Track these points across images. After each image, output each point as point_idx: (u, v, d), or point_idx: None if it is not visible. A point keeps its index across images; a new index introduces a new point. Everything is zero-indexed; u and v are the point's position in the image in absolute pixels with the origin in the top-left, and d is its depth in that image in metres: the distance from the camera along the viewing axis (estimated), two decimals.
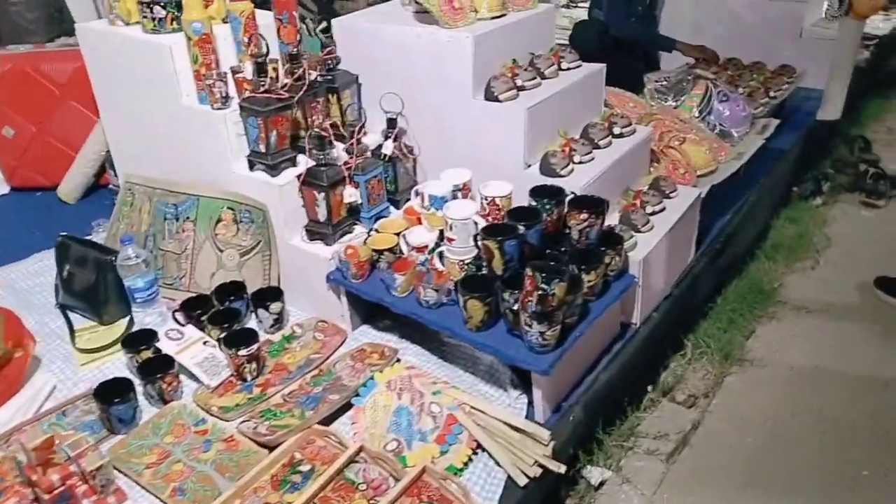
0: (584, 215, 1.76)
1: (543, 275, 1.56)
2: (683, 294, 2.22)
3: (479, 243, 1.72)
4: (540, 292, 1.56)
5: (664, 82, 2.79)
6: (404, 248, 1.96)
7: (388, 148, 2.14)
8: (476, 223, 1.81)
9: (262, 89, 1.96)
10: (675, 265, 2.19)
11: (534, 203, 1.82)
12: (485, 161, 2.08)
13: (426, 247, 1.93)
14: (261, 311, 2.06)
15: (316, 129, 1.97)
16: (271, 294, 2.08)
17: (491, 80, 2.01)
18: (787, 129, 3.23)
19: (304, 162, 2.03)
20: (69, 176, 2.97)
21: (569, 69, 2.21)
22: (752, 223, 2.67)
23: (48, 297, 2.30)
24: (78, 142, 2.94)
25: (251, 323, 2.11)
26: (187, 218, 2.19)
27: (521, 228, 1.71)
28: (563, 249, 1.82)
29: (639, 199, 2.11)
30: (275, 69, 2.10)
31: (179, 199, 2.20)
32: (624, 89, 2.76)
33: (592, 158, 2.08)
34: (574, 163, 2.05)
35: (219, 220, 2.16)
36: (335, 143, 2.10)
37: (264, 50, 1.98)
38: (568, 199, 1.84)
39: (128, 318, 2.14)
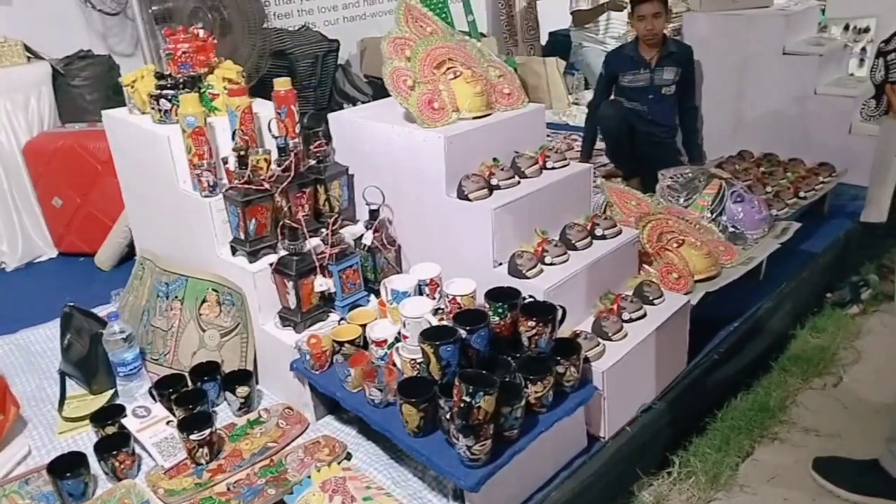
0: (531, 322, 1.71)
1: (470, 386, 1.51)
2: (670, 407, 2.08)
3: (419, 345, 1.69)
4: (463, 405, 1.51)
5: (678, 179, 2.70)
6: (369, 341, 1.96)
7: (368, 238, 2.18)
8: (429, 322, 1.79)
9: (243, 180, 2.05)
10: (658, 375, 2.06)
11: (486, 305, 1.78)
12: (457, 257, 2.07)
13: (385, 341, 1.92)
14: (228, 394, 2.10)
15: (288, 221, 2.02)
16: (240, 377, 2.11)
17: (462, 180, 2.02)
18: (825, 230, 3.04)
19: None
20: (105, 245, 3.18)
21: (553, 168, 2.18)
22: (766, 332, 2.49)
23: (55, 361, 2.43)
24: (115, 214, 3.14)
25: (223, 405, 2.15)
26: (176, 297, 2.28)
27: (463, 332, 1.67)
28: (517, 355, 1.76)
29: (617, 304, 2.02)
30: (266, 160, 2.20)
31: (171, 278, 2.30)
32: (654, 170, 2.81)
33: (566, 260, 2.02)
34: (545, 264, 2.00)
35: (204, 301, 2.24)
36: (320, 231, 2.16)
37: (247, 143, 2.09)
38: (524, 302, 1.78)
39: (113, 391, 2.23)
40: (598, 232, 2.13)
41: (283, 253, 2.05)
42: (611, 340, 1.93)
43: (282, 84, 2.29)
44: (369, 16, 5.30)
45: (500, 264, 2.02)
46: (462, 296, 1.89)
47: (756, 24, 3.58)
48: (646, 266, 2.25)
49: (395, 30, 2.23)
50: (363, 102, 4.73)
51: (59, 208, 3.25)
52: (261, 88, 2.44)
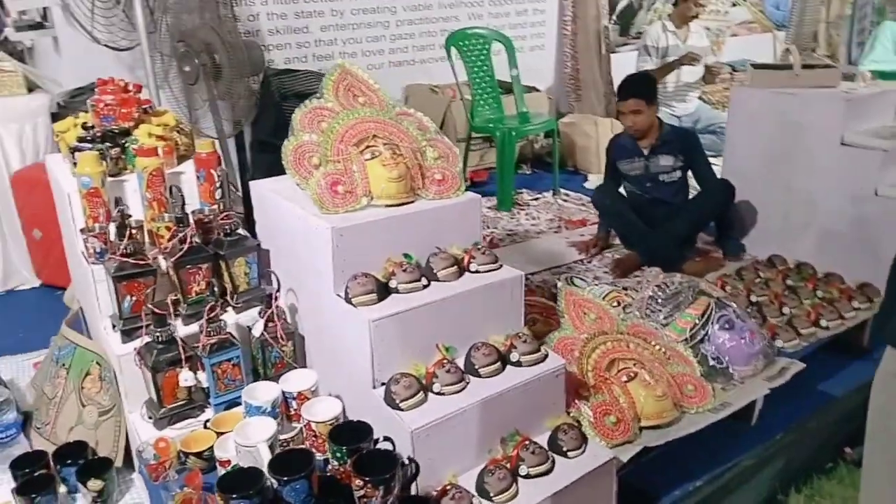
0: (359, 481, 1.38)
1: None
2: None
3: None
4: None
5: (663, 289, 2.28)
6: None
7: (258, 329, 1.92)
8: (260, 455, 1.50)
9: (119, 251, 1.85)
10: None
11: (329, 445, 1.47)
12: (341, 368, 1.78)
13: (229, 462, 1.64)
14: (81, 486, 1.88)
15: (150, 305, 1.80)
16: (97, 467, 1.89)
17: (350, 280, 1.72)
18: (856, 368, 2.49)
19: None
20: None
21: (477, 272, 1.85)
22: (743, 499, 2.01)
23: None
24: None
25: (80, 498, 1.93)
26: (63, 364, 2.11)
27: (275, 482, 1.37)
28: None
29: (517, 451, 1.65)
30: (169, 228, 2.01)
31: (63, 342, 2.14)
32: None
33: (460, 390, 1.67)
34: (433, 393, 1.66)
35: (87, 374, 2.04)
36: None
37: (128, 212, 1.90)
38: (362, 452, 1.46)
39: None
40: (514, 356, 1.76)
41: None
42: (491, 502, 1.56)
43: (204, 146, 2.10)
44: (417, 62, 5.11)
45: (383, 384, 1.70)
46: (318, 423, 1.59)
47: (812, 106, 3.07)
48: (578, 401, 1.85)
49: (322, 97, 1.99)
50: None
51: (39, 240, 3.21)
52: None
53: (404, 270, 1.77)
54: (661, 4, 6.45)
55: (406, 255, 1.82)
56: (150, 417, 1.87)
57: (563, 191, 4.55)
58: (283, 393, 1.74)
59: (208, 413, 1.90)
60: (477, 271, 1.85)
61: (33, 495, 1.79)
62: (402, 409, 1.60)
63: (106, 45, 3.30)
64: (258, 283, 2.08)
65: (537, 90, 5.24)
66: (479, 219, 1.97)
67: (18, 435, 2.08)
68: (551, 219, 4.08)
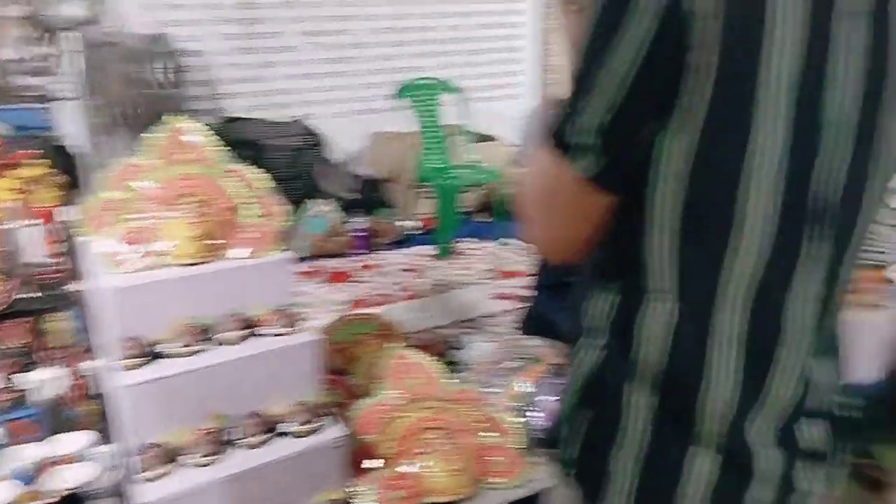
0: None
1: None
2: None
3: None
4: None
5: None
6: None
7: (51, 388, 1.92)
8: None
9: None
10: None
11: None
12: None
13: None
14: None
15: None
16: None
17: (121, 343, 1.71)
18: None
19: None
20: None
21: (266, 336, 1.80)
22: None
23: None
24: None
25: None
26: None
27: None
28: None
29: None
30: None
31: None
32: None
33: (209, 464, 1.62)
34: (181, 465, 1.61)
35: None
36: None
37: None
38: None
39: None
40: (285, 427, 1.70)
41: None
42: None
43: (45, 199, 2.14)
44: (386, 110, 5.11)
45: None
46: (45, 492, 1.57)
47: None
48: (367, 476, 1.77)
49: (141, 154, 1.99)
50: (343, 200, 4.57)
51: None
52: None
53: (180, 334, 1.74)
54: None
55: (196, 318, 1.80)
56: None
57: (510, 241, 4.46)
58: (46, 457, 1.72)
59: None
60: (262, 335, 1.81)
61: None
62: (141, 481, 1.56)
63: None
64: (83, 338, 2.10)
65: (492, 139, 5.17)
66: (289, 279, 1.93)
67: None
68: (488, 269, 4.01)
